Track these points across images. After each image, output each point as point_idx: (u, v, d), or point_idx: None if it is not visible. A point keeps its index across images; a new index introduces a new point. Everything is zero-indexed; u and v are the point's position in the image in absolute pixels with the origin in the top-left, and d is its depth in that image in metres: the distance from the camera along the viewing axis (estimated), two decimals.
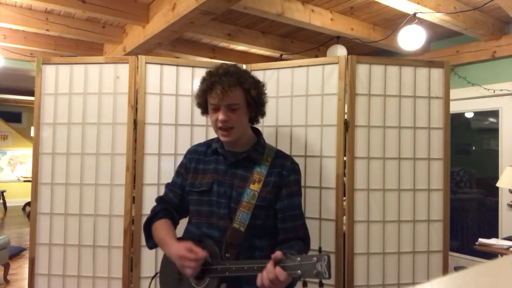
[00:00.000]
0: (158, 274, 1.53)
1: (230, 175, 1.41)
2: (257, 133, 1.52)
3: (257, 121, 1.51)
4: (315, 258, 1.08)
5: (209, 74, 1.37)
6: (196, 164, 1.50)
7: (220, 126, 1.36)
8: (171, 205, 1.53)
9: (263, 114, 1.49)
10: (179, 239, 1.46)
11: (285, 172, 1.42)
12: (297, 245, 1.35)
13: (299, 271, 1.10)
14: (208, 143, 1.55)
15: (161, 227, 1.44)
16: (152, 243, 1.48)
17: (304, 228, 1.44)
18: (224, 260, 1.29)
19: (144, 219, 1.94)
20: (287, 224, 1.40)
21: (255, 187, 1.37)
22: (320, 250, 1.13)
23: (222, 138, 1.40)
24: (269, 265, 1.14)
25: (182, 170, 1.54)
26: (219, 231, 1.37)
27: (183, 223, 1.56)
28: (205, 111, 1.46)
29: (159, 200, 1.57)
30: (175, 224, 1.51)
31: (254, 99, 1.40)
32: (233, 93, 1.33)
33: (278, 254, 1.15)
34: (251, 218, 1.35)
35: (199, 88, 1.41)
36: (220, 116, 1.34)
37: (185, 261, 1.25)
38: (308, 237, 1.45)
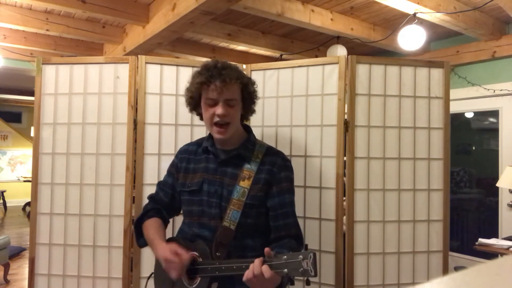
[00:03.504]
0: (153, 274, 1.53)
1: (220, 173, 1.40)
2: (248, 130, 1.50)
3: (247, 119, 1.50)
4: (301, 256, 1.08)
5: (206, 68, 1.34)
6: (187, 164, 1.49)
7: (217, 122, 1.34)
8: (161, 205, 1.53)
9: (252, 112, 1.48)
10: (171, 239, 1.46)
11: (275, 169, 1.40)
12: (289, 244, 1.34)
13: (285, 270, 1.09)
14: (198, 142, 1.54)
15: (150, 227, 1.44)
16: (142, 242, 1.48)
17: (296, 226, 1.42)
18: (215, 260, 1.28)
19: None
20: (278, 222, 1.39)
21: (244, 184, 1.36)
22: (306, 247, 1.12)
23: (217, 136, 1.38)
24: (257, 261, 1.14)
25: (173, 170, 1.53)
26: (210, 231, 1.36)
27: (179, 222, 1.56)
28: (194, 108, 1.44)
29: (151, 198, 1.57)
30: (165, 223, 1.51)
31: (250, 95, 1.40)
32: (233, 87, 1.33)
33: (267, 250, 1.16)
34: (241, 216, 1.33)
35: (194, 81, 1.37)
36: (219, 110, 1.32)
37: (170, 264, 1.26)
38: (300, 235, 1.42)
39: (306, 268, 1.06)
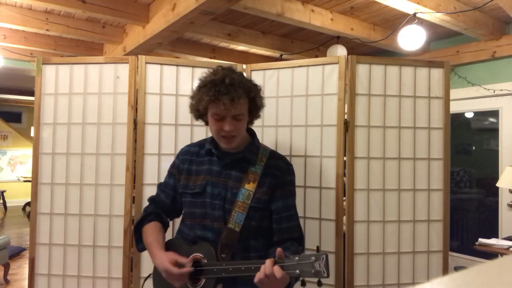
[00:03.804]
0: (152, 275, 1.52)
1: (224, 176, 1.40)
2: (252, 133, 1.51)
3: (252, 123, 1.51)
4: (313, 258, 1.09)
5: (213, 82, 1.30)
6: (189, 165, 1.48)
7: (224, 135, 1.36)
8: (162, 207, 1.52)
9: (258, 117, 1.49)
10: (171, 241, 1.46)
11: (279, 172, 1.42)
12: (292, 246, 1.35)
13: (297, 271, 1.10)
14: (201, 144, 1.53)
15: (150, 232, 1.44)
16: (141, 246, 1.47)
17: (299, 229, 1.44)
18: (220, 261, 1.29)
19: None
20: (282, 225, 1.40)
21: (250, 187, 1.37)
22: (318, 249, 1.13)
23: (225, 146, 1.39)
24: (268, 261, 1.15)
25: (174, 171, 1.52)
26: (213, 233, 1.36)
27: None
28: (200, 117, 1.43)
29: (151, 201, 1.56)
30: (165, 227, 1.51)
31: (257, 107, 1.41)
32: (241, 104, 1.32)
33: (279, 250, 1.16)
34: (246, 219, 1.34)
35: (200, 96, 1.34)
36: (227, 127, 1.32)
37: (170, 275, 1.27)
38: (302, 238, 1.44)
39: (319, 270, 1.07)
